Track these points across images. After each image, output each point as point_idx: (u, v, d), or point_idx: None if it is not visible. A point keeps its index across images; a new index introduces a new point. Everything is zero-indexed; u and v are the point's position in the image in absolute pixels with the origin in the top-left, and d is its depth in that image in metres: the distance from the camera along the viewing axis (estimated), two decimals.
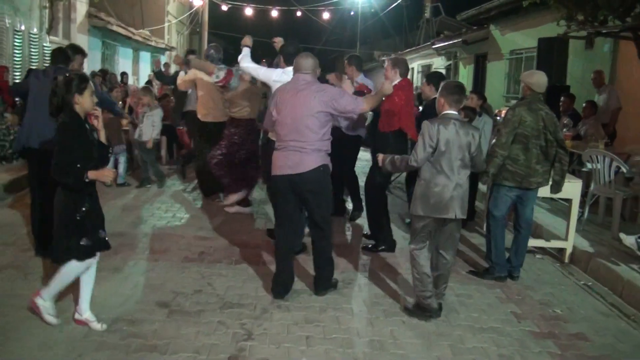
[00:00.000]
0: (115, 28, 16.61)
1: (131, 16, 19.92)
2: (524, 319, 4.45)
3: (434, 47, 19.19)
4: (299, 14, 26.05)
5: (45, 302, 3.82)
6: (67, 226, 3.68)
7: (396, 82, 5.68)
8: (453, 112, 4.29)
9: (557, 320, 4.48)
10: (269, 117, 4.71)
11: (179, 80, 7.89)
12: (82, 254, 3.72)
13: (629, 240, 5.29)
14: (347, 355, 3.70)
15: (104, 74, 12.84)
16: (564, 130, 8.00)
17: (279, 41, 6.07)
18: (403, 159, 4.37)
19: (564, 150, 5.16)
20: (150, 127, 8.21)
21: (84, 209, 3.69)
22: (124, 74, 14.52)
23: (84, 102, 3.70)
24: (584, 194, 6.70)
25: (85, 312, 3.86)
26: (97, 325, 3.83)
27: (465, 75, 17.76)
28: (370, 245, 6.00)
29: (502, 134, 5.02)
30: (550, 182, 5.29)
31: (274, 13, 24.56)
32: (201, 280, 4.80)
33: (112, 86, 10.98)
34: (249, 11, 23.83)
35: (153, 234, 6.07)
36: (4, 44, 10.89)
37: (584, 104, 8.47)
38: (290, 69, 5.61)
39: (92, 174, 3.63)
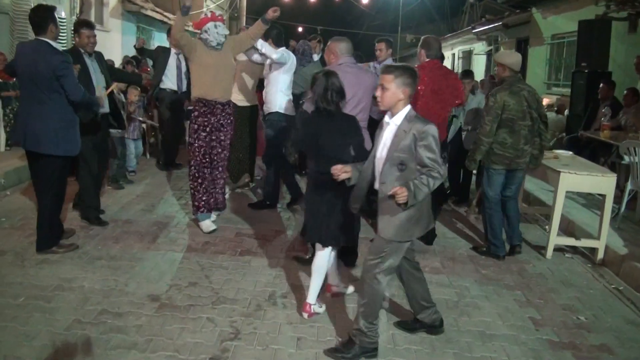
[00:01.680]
0: (149, 13, 16.48)
1: (168, 0, 19.81)
2: (543, 326, 4.06)
3: (474, 31, 18.53)
4: None
5: (316, 305, 3.97)
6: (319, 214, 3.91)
7: (422, 63, 5.42)
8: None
9: (580, 328, 4.08)
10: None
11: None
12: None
13: None
14: None
15: (137, 61, 12.66)
16: (602, 119, 7.49)
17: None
18: (429, 180, 3.14)
19: (545, 126, 5.23)
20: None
21: None
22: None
23: None
24: (621, 189, 6.23)
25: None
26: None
27: None
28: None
29: (485, 122, 5.06)
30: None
31: None
32: (199, 272, 4.58)
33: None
34: None
35: (160, 222, 5.87)
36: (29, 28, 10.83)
37: (624, 92, 7.88)
38: (282, 49, 6.09)
39: None
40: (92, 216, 5.60)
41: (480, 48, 20.27)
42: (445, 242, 5.76)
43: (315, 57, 8.20)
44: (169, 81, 8.07)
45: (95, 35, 5.49)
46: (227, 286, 4.32)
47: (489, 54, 19.43)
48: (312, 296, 3.92)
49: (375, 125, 6.29)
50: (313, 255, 4.70)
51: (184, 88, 8.05)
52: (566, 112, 10.65)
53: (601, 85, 8.36)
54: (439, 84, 5.32)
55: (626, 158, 6.15)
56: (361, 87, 4.62)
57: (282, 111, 6.19)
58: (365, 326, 3.40)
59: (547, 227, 6.61)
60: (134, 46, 9.33)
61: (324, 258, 3.94)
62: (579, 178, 5.36)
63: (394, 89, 3.25)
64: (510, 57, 5.18)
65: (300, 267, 4.76)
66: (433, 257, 5.30)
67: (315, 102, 3.87)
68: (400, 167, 3.23)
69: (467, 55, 22.13)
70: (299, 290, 4.33)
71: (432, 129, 3.19)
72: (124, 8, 15.43)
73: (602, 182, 5.37)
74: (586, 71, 9.16)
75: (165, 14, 17.83)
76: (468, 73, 7.20)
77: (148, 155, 9.16)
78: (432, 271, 4.94)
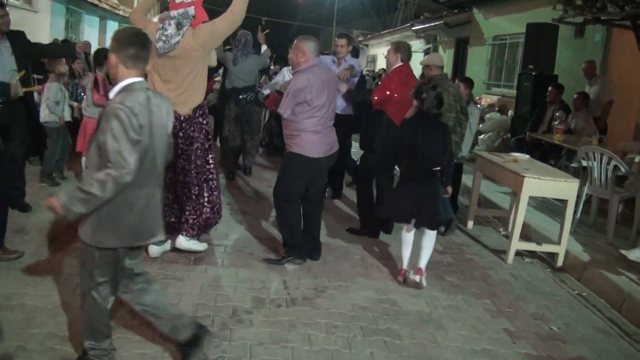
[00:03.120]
0: None
1: None
2: (519, 338, 3.93)
3: (413, 29, 18.58)
4: None
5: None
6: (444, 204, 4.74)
7: (396, 66, 5.52)
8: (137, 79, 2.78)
9: (555, 340, 3.98)
10: (291, 102, 4.48)
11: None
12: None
13: (634, 254, 4.88)
14: None
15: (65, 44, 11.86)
16: (555, 123, 7.53)
17: None
18: (93, 189, 2.59)
19: (465, 116, 5.67)
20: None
21: None
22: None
23: None
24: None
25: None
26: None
27: (444, 60, 17.15)
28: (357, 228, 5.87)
29: None
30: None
31: None
32: None
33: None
34: None
35: None
36: None
37: (575, 96, 7.97)
38: None
39: None
40: None
41: (417, 45, 20.33)
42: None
43: (264, 48, 7.84)
44: None
45: (8, 14, 5.01)
46: (185, 302, 3.92)
47: (427, 52, 19.56)
48: (423, 263, 4.62)
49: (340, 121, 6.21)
50: (283, 257, 4.79)
51: None
52: (510, 112, 10.77)
53: (550, 88, 8.43)
54: (409, 85, 5.34)
55: (584, 162, 6.16)
56: (331, 87, 4.70)
57: None
58: (89, 346, 2.91)
59: (501, 229, 6.61)
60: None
61: (432, 237, 4.63)
62: (543, 183, 5.31)
63: (110, 54, 2.75)
64: (433, 58, 6.00)
65: (262, 277, 4.46)
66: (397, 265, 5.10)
67: (422, 109, 4.45)
68: (99, 152, 2.66)
69: None
70: (264, 304, 4.02)
71: (120, 111, 2.57)
72: None
73: (565, 187, 5.34)
74: (533, 73, 9.23)
75: None
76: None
77: None
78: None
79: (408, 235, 4.67)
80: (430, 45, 18.87)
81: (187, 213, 4.66)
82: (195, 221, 4.67)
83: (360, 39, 28.94)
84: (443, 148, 4.48)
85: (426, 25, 17.41)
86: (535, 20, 9.64)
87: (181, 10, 4.42)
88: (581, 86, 8.79)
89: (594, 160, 5.97)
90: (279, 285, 4.36)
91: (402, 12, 25.66)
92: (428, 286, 4.66)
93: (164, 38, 4.33)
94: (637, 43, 6.84)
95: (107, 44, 15.99)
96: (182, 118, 4.50)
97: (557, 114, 7.53)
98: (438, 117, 4.55)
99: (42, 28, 13.66)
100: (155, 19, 5.19)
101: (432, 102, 4.40)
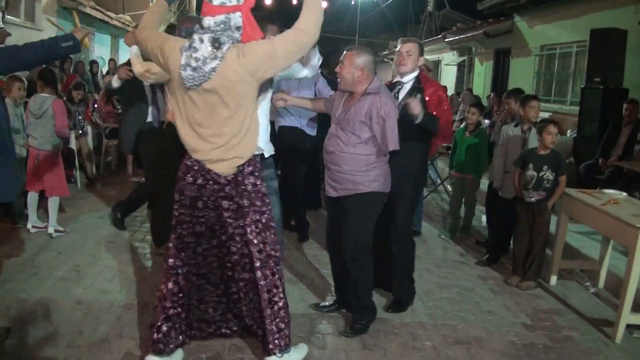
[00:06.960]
0: (89, 11, 14.60)
1: None
2: None
3: (446, 40, 17.34)
4: (294, 1, 24.45)
5: None
6: None
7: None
8: None
9: None
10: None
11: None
12: None
13: None
14: None
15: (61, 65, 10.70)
16: None
17: None
18: None
19: None
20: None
21: None
22: (93, 63, 12.44)
23: None
24: None
25: None
26: None
27: (482, 73, 15.89)
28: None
29: None
30: None
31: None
32: None
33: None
34: None
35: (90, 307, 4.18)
36: None
37: None
38: None
39: None
40: None
41: (450, 58, 19.14)
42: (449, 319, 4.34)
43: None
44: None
45: None
46: None
47: (460, 65, 18.36)
48: None
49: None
50: (357, 321, 3.95)
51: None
52: (569, 132, 9.45)
53: (625, 105, 7.15)
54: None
55: None
56: None
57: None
58: None
59: (588, 283, 5.30)
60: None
61: None
62: None
63: None
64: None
65: None
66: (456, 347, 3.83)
67: None
68: None
69: (435, 66, 21.04)
70: None
71: None
72: (60, 4, 13.47)
73: None
74: (601, 87, 7.93)
75: (108, 13, 15.99)
76: None
77: None
78: None
79: None
80: (465, 58, 17.63)
81: (267, 322, 3.18)
82: (282, 328, 3.23)
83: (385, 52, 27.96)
84: None
85: (462, 36, 16.13)
86: (592, 26, 8.38)
87: (220, 18, 2.95)
88: None
89: None
90: None
91: (426, 25, 24.75)
92: None
93: (194, 63, 2.90)
94: None
95: (120, 63, 15.09)
96: (223, 181, 3.10)
97: None
98: None
99: None
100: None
101: None
